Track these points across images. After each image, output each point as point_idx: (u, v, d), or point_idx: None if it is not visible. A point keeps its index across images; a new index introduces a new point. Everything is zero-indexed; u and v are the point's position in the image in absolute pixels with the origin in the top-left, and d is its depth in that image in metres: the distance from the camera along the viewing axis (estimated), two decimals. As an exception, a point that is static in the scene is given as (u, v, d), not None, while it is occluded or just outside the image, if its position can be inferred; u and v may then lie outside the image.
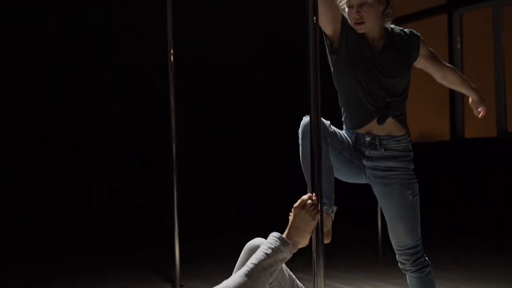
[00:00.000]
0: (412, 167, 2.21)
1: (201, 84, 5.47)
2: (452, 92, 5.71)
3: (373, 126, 2.14)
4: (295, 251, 1.85)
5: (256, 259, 1.79)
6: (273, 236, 1.83)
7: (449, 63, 5.65)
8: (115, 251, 4.67)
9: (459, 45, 5.72)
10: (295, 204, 1.83)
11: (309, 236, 1.84)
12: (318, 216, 1.81)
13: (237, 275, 1.76)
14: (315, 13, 1.77)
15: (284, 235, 1.83)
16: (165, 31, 3.56)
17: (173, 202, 3.52)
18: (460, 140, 5.69)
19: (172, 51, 3.56)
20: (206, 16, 5.43)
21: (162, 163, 4.51)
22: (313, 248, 1.81)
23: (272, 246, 1.80)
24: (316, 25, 1.77)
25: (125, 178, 5.12)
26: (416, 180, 2.18)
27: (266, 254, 1.80)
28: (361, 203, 5.83)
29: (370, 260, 4.19)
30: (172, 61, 3.57)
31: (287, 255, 1.82)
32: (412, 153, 2.22)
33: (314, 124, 1.82)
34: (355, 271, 3.84)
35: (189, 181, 4.66)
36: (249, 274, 1.75)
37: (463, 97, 5.71)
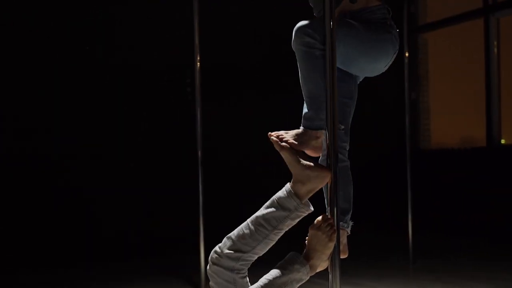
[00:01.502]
0: None
1: (225, 92, 5.49)
2: (488, 96, 5.58)
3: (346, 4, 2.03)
4: (312, 274, 1.83)
5: (272, 275, 1.77)
6: (292, 255, 1.81)
7: (486, 68, 5.59)
8: (140, 256, 4.72)
9: (495, 50, 5.58)
10: (311, 225, 1.80)
11: (327, 259, 1.81)
12: (335, 236, 1.78)
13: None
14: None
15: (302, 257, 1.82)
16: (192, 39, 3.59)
17: (199, 206, 3.54)
18: (496, 146, 5.55)
19: (198, 57, 3.59)
20: (231, 25, 5.45)
21: (187, 166, 4.53)
22: (329, 266, 1.80)
23: (289, 266, 1.78)
24: (333, 30, 1.75)
25: (151, 179, 5.16)
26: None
27: (282, 272, 1.77)
28: (391, 208, 5.77)
29: (400, 268, 4.11)
30: (198, 68, 3.60)
31: (304, 276, 1.79)
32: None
33: (331, 135, 1.79)
34: (384, 280, 3.78)
35: (213, 184, 4.66)
36: None
37: (500, 102, 5.58)
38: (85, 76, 4.96)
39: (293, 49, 1.99)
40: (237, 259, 1.81)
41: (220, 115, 5.34)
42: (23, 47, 4.76)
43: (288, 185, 1.87)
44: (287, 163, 1.88)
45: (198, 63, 3.62)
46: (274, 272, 1.78)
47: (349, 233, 2.02)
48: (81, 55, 4.94)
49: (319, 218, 1.81)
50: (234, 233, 1.88)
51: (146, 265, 4.38)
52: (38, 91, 4.81)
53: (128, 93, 5.13)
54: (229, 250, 1.85)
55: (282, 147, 1.87)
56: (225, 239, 1.89)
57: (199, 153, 3.60)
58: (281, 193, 1.87)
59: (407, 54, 4.38)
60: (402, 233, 4.24)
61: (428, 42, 6.47)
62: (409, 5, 5.86)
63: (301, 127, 1.99)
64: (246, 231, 1.86)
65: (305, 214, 1.87)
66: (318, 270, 1.83)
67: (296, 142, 1.93)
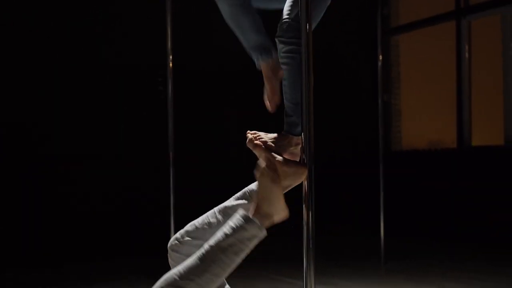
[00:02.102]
0: None
1: (198, 93, 5.45)
2: (460, 99, 5.64)
3: None
4: (270, 224, 1.65)
5: (214, 240, 1.61)
6: (237, 214, 1.65)
7: (457, 70, 5.65)
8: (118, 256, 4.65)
9: (467, 53, 5.65)
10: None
11: (282, 203, 1.65)
12: (277, 177, 1.67)
13: (190, 258, 1.60)
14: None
15: (250, 211, 1.65)
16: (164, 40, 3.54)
17: (170, 211, 3.51)
18: (467, 148, 5.61)
19: (171, 57, 3.54)
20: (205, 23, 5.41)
21: (159, 167, 4.48)
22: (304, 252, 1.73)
23: (233, 225, 1.62)
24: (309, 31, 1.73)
25: (123, 179, 5.09)
26: None
27: (226, 234, 1.61)
28: (363, 210, 5.79)
29: (372, 268, 4.12)
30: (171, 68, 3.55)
31: (256, 231, 1.61)
32: None
33: (307, 136, 1.76)
34: (356, 279, 3.77)
35: (185, 184, 4.61)
36: (204, 257, 1.58)
37: (471, 104, 5.65)
38: (58, 76, 4.88)
39: (279, 56, 1.95)
40: (198, 247, 1.72)
41: (193, 115, 5.29)
42: (6, 49, 4.67)
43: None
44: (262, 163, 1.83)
45: (171, 64, 3.57)
46: (217, 236, 1.61)
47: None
48: (56, 55, 4.85)
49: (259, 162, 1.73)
50: (198, 221, 1.80)
51: (121, 265, 4.31)
52: (19, 92, 4.71)
53: (100, 92, 5.05)
54: (190, 237, 1.79)
55: (256, 145, 1.84)
56: (188, 225, 1.80)
57: (171, 154, 3.56)
58: (253, 185, 1.81)
59: (380, 57, 4.38)
60: (374, 234, 4.25)
61: (399, 44, 6.51)
62: (382, 7, 5.89)
63: (283, 132, 1.95)
64: (212, 220, 1.78)
65: None
66: (278, 219, 1.66)
67: (273, 145, 1.90)
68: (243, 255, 1.61)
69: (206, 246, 1.61)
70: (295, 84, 1.93)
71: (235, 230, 1.61)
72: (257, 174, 1.69)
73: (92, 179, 4.96)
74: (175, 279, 1.56)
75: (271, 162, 1.75)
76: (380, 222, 4.11)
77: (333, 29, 5.83)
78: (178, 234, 1.80)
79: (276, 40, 1.96)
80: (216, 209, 1.82)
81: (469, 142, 5.64)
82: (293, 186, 1.84)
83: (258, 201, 1.66)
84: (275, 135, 1.95)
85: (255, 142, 1.84)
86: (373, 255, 4.32)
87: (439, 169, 5.66)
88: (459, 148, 5.63)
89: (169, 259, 1.79)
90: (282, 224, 1.76)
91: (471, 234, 5.16)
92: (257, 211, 1.64)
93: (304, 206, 1.77)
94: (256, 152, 1.82)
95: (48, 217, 4.75)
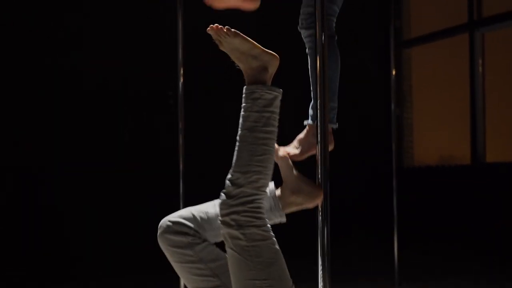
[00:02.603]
0: None
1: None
2: (473, 113, 5.53)
3: None
4: (270, 77, 1.73)
5: (240, 130, 1.66)
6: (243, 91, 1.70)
7: (470, 84, 5.55)
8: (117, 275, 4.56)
9: (480, 67, 5.55)
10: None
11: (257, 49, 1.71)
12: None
13: (234, 156, 1.68)
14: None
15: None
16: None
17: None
18: (481, 164, 5.50)
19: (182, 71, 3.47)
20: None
21: (169, 179, 4.40)
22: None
23: (245, 103, 1.65)
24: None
25: (131, 191, 5.01)
26: None
27: (243, 117, 1.65)
28: (376, 226, 5.69)
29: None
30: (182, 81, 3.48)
31: (268, 93, 1.65)
32: None
33: (322, 153, 1.70)
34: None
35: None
36: (241, 148, 1.63)
37: (485, 119, 5.54)
38: (61, 87, 4.82)
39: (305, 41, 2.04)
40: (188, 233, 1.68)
41: (204, 126, 5.22)
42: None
43: (272, 186, 1.77)
44: (282, 173, 1.79)
45: (182, 78, 3.49)
46: (240, 124, 1.66)
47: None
48: (57, 66, 4.79)
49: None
50: (196, 208, 1.77)
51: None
52: (11, 104, 4.65)
53: (106, 105, 4.99)
54: (185, 220, 1.72)
55: (281, 156, 1.80)
56: (183, 211, 1.77)
57: (181, 166, 3.48)
58: (247, 103, 1.72)
59: (394, 72, 4.29)
60: (387, 253, 4.14)
61: (412, 57, 6.43)
62: (394, 19, 5.81)
63: (306, 125, 1.98)
64: (211, 210, 1.74)
65: (276, 222, 1.77)
66: (272, 70, 1.73)
67: (297, 152, 1.88)
68: (274, 122, 1.64)
69: (237, 139, 1.64)
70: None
71: (249, 105, 1.62)
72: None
73: (101, 193, 4.89)
74: (229, 178, 1.62)
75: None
76: (394, 242, 4.00)
77: (344, 42, 5.75)
78: (171, 217, 1.73)
79: (299, 27, 2.06)
80: (215, 201, 1.76)
81: (483, 158, 5.53)
82: (306, 207, 1.77)
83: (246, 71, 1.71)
84: (295, 141, 1.96)
85: (280, 155, 1.83)
86: (386, 274, 4.20)
87: (453, 185, 5.55)
88: (473, 164, 5.52)
89: (160, 242, 1.73)
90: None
91: (485, 251, 5.04)
92: (249, 80, 1.68)
93: (320, 221, 1.70)
94: (280, 163, 1.82)
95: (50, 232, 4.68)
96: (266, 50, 1.74)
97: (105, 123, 4.99)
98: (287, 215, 1.82)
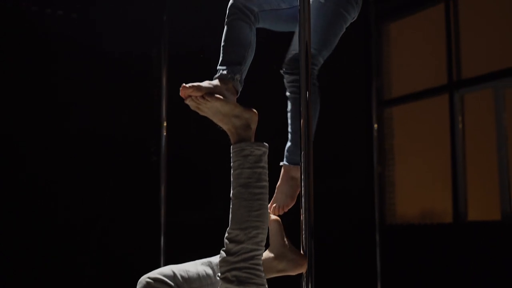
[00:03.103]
0: None
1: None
2: (454, 172, 5.61)
3: None
4: (252, 132, 1.79)
5: (232, 188, 1.69)
6: (232, 157, 1.75)
7: (451, 144, 5.65)
8: None
9: (460, 126, 5.67)
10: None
11: (238, 110, 1.80)
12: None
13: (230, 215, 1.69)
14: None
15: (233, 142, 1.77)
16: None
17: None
18: (463, 223, 5.53)
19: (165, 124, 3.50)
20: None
21: (149, 235, 4.35)
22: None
23: (235, 160, 1.71)
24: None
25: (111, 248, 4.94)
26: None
27: (234, 175, 1.70)
28: (359, 284, 5.64)
29: None
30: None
31: (255, 149, 1.70)
32: None
33: (307, 215, 1.72)
34: None
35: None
36: (236, 204, 1.67)
37: (466, 178, 5.61)
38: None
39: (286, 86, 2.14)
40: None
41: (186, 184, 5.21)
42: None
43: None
44: (271, 236, 1.81)
45: (165, 132, 3.53)
46: (232, 182, 1.71)
47: (238, 90, 1.99)
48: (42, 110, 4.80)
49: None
50: (177, 267, 1.77)
51: None
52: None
53: (90, 157, 4.98)
54: (165, 277, 1.73)
55: (274, 219, 1.88)
56: (164, 268, 1.77)
57: (162, 219, 3.47)
58: (235, 161, 1.79)
59: (376, 129, 4.37)
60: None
61: (393, 116, 6.54)
62: (376, 79, 5.96)
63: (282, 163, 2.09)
64: (192, 268, 1.78)
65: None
66: (253, 122, 1.80)
67: (288, 202, 2.04)
68: (266, 177, 1.71)
69: (232, 197, 1.69)
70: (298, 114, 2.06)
71: (240, 162, 1.68)
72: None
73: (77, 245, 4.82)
74: (228, 236, 1.64)
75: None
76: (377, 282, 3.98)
77: (325, 102, 5.85)
78: (151, 274, 1.71)
79: (282, 71, 2.14)
80: (197, 261, 1.79)
81: (465, 216, 5.57)
82: (286, 273, 1.78)
83: (231, 130, 1.77)
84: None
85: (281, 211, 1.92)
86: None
87: (434, 243, 5.56)
88: (455, 223, 5.55)
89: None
90: None
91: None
92: (235, 139, 1.75)
93: (304, 277, 1.72)
94: (273, 225, 1.86)
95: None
96: (246, 108, 1.80)
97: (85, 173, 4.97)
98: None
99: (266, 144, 1.77)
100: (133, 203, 5.07)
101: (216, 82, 1.87)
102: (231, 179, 1.70)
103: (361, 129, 6.09)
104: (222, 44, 2.00)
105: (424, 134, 6.26)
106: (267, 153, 1.76)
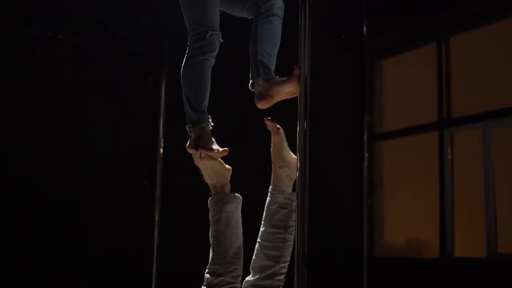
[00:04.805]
0: None
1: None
2: (442, 208, 5.68)
3: None
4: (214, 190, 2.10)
5: (212, 233, 2.00)
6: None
7: (440, 181, 5.73)
8: None
9: (449, 163, 5.77)
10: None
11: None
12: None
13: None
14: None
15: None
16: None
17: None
18: (450, 259, 5.59)
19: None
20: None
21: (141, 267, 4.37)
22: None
23: (215, 208, 2.03)
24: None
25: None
26: None
27: (215, 220, 2.02)
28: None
29: None
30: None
31: (214, 203, 2.05)
32: None
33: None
34: None
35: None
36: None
37: (453, 214, 5.68)
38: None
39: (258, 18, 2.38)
40: (271, 276, 1.84)
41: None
42: None
43: (270, 188, 2.06)
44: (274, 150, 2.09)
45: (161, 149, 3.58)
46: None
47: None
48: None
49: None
50: (254, 260, 1.99)
51: None
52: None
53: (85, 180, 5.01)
54: (262, 274, 1.90)
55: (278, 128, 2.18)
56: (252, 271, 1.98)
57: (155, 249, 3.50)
58: (268, 197, 2.04)
59: (366, 162, 4.46)
60: None
61: (383, 150, 6.64)
62: (368, 113, 6.07)
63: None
64: (265, 249, 1.95)
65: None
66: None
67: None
68: (240, 221, 2.03)
69: (211, 239, 2.01)
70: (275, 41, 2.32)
71: (220, 209, 1.98)
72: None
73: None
74: (207, 271, 1.95)
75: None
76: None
77: (316, 134, 5.93)
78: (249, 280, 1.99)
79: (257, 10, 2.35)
80: (257, 246, 2.08)
81: (452, 252, 5.63)
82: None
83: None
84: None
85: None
86: None
87: (421, 278, 5.60)
88: (442, 258, 5.60)
89: None
90: None
91: None
92: (216, 191, 2.05)
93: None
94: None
95: None
96: (227, 166, 2.12)
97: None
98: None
99: (241, 197, 2.06)
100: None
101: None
102: (210, 224, 1.92)
103: (352, 161, 6.17)
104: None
105: (413, 168, 6.34)
106: (241, 203, 2.06)
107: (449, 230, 5.65)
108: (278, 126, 2.09)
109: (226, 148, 2.12)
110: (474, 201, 5.62)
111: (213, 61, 2.32)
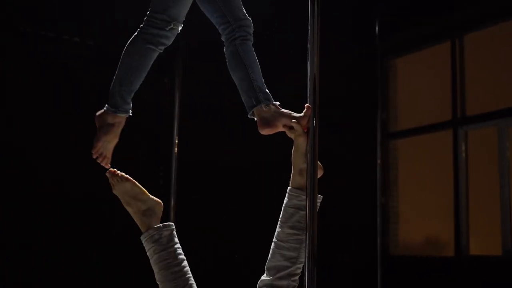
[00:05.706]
0: None
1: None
2: (457, 206, 5.67)
3: None
4: (143, 225, 2.06)
5: (156, 276, 1.97)
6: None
7: (454, 179, 5.72)
8: None
9: (464, 161, 5.75)
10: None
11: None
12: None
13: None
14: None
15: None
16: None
17: None
18: (465, 257, 5.58)
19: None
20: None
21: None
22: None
23: (150, 248, 1.97)
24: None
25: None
26: None
27: (153, 260, 1.99)
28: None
29: None
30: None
31: (170, 230, 1.99)
32: None
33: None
34: None
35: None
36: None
37: (468, 212, 5.67)
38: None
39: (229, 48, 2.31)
40: (288, 276, 1.85)
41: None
42: None
43: (288, 189, 2.01)
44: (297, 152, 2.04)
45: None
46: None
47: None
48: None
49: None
50: (270, 259, 1.98)
51: None
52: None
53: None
54: (278, 274, 1.90)
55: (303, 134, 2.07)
56: (266, 270, 1.96)
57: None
58: (287, 198, 2.00)
59: (379, 161, 4.46)
60: None
61: (398, 148, 6.63)
62: (381, 112, 6.07)
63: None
64: (282, 250, 1.94)
65: (319, 202, 1.97)
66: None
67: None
68: (180, 251, 1.99)
69: (158, 283, 1.98)
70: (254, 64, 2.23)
71: (155, 248, 1.94)
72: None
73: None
74: None
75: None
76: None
77: (330, 133, 5.96)
78: (264, 279, 1.98)
79: (227, 36, 2.24)
80: (273, 246, 2.03)
81: (467, 250, 5.62)
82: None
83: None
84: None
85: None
86: None
87: (436, 276, 5.60)
88: (457, 256, 5.60)
89: None
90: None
91: None
92: (142, 226, 2.03)
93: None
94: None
95: None
96: (152, 196, 2.04)
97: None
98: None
99: (172, 223, 1.98)
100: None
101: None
102: (152, 266, 1.89)
103: (366, 160, 6.18)
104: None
105: (428, 166, 6.33)
106: (174, 230, 1.99)
107: (464, 228, 5.64)
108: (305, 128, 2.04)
109: (108, 157, 2.17)
110: (489, 199, 5.60)
111: (158, 53, 2.24)
